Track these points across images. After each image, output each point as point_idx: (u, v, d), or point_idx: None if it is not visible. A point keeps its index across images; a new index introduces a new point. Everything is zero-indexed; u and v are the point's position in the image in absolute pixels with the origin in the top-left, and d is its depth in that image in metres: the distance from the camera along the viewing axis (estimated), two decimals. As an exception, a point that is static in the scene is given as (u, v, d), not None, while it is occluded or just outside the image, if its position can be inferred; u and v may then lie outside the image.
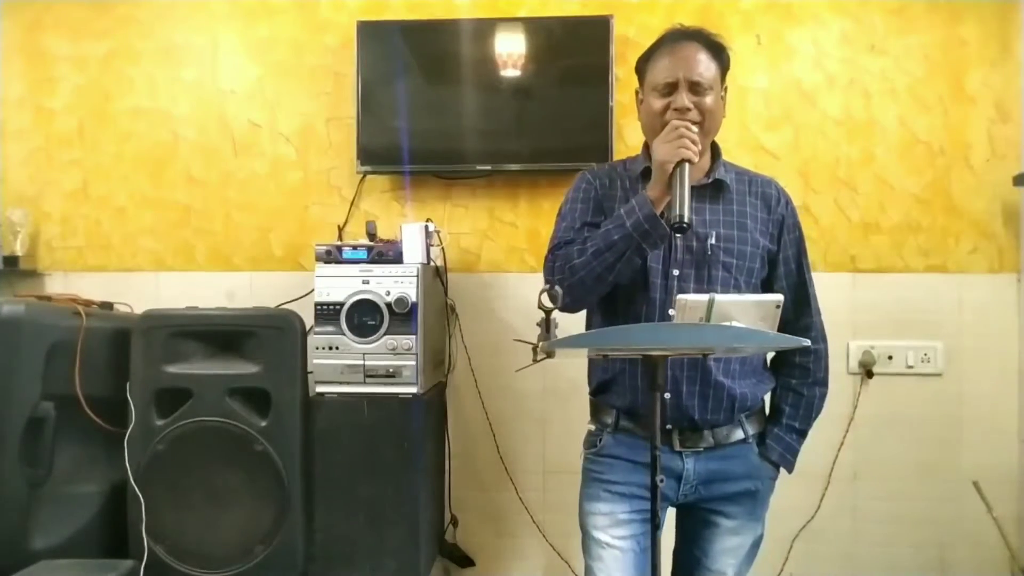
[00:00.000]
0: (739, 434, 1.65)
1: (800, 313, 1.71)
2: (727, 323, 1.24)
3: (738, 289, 1.62)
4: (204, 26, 2.81)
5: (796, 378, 1.72)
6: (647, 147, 1.70)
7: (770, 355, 1.78)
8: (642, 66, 1.68)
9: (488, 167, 2.64)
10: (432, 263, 2.50)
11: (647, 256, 1.56)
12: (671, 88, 1.60)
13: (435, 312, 2.51)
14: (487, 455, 2.70)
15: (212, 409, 2.21)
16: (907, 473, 2.61)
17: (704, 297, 1.25)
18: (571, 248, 1.59)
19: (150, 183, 2.83)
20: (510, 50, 2.61)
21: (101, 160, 2.84)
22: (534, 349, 1.31)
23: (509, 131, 2.64)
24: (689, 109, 1.57)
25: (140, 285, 2.78)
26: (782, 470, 1.72)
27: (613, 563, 1.64)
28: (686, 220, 1.44)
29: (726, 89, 1.68)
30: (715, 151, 1.70)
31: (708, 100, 1.60)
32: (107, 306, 2.46)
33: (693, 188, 1.58)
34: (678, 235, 1.54)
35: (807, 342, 1.31)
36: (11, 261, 2.75)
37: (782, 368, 1.74)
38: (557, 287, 1.31)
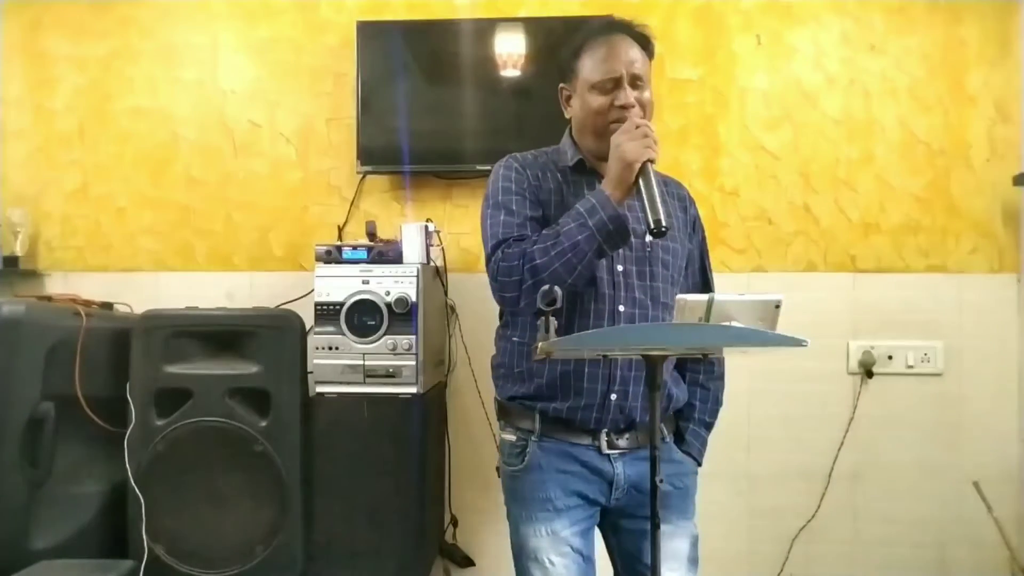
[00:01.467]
0: (659, 433, 1.63)
1: None
2: (727, 323, 1.24)
3: (675, 286, 1.64)
4: (204, 26, 2.81)
5: (703, 373, 1.72)
6: (571, 137, 1.67)
7: None
8: (571, 61, 1.62)
9: (488, 167, 2.60)
10: (432, 263, 2.50)
11: (605, 257, 1.51)
12: (613, 84, 1.55)
13: (435, 312, 2.51)
14: (487, 455, 2.69)
15: (212, 409, 2.21)
16: (907, 473, 2.60)
17: (703, 297, 1.24)
18: (527, 247, 1.50)
19: (150, 183, 2.83)
20: (510, 50, 2.61)
21: (101, 160, 2.84)
22: (533, 349, 1.31)
23: (509, 131, 2.63)
24: (633, 105, 1.54)
25: (140, 285, 2.77)
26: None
27: None
28: (664, 224, 1.39)
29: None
30: None
31: (647, 94, 1.58)
32: (107, 306, 2.46)
33: None
34: (658, 238, 1.45)
35: (806, 341, 1.30)
36: (11, 261, 2.75)
37: (688, 363, 1.72)
38: (556, 288, 1.30)
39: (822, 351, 2.60)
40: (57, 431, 2.14)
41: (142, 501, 2.19)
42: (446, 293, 2.67)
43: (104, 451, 2.26)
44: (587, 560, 1.62)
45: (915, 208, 2.63)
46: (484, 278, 2.72)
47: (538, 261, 1.48)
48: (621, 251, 1.57)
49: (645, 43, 1.61)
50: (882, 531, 2.61)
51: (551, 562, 1.59)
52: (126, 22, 2.82)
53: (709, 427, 1.74)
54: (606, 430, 1.59)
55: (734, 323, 1.24)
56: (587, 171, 1.65)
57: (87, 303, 2.37)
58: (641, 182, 1.44)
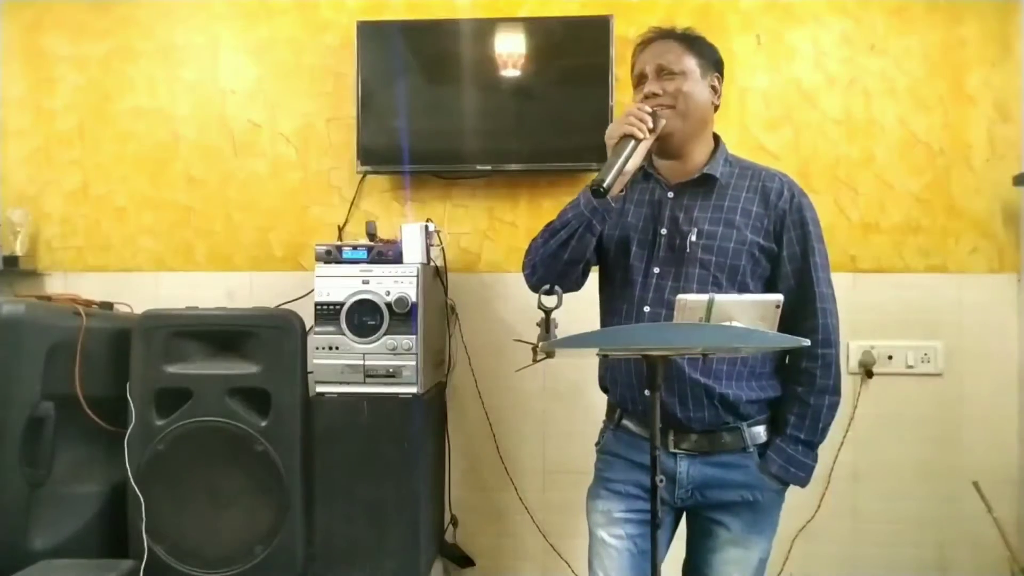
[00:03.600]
0: (739, 442, 1.61)
1: (805, 315, 1.62)
2: (727, 323, 1.24)
3: (718, 287, 1.57)
4: (204, 26, 2.81)
5: (802, 385, 1.63)
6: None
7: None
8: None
9: (488, 167, 2.64)
10: (432, 263, 2.51)
11: (599, 234, 1.60)
12: (643, 79, 1.64)
13: (435, 312, 2.51)
14: (487, 455, 2.69)
15: (212, 409, 2.21)
16: (907, 473, 2.60)
17: (704, 297, 1.24)
18: (537, 235, 1.67)
19: (150, 183, 2.83)
20: (510, 50, 2.61)
21: (101, 160, 2.84)
22: (534, 349, 1.31)
23: (509, 131, 2.64)
24: (657, 95, 1.59)
25: (140, 285, 2.78)
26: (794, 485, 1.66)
27: (609, 561, 1.63)
28: (604, 185, 1.46)
29: (718, 79, 1.67)
30: (717, 145, 1.68)
31: (679, 84, 1.60)
32: (107, 306, 2.46)
33: (683, 184, 1.64)
34: (597, 198, 1.51)
35: (806, 342, 1.30)
36: (11, 261, 2.75)
37: (789, 375, 1.67)
38: (558, 286, 1.32)
39: (822, 351, 2.59)
40: (57, 431, 2.14)
41: (142, 501, 2.19)
42: (446, 293, 2.67)
43: (104, 451, 2.26)
44: (642, 553, 1.60)
45: (915, 208, 2.63)
46: (484, 278, 2.77)
47: (538, 240, 1.65)
48: (661, 252, 1.62)
49: (691, 42, 1.65)
50: (882, 531, 2.61)
51: (604, 541, 1.65)
52: (126, 22, 2.82)
53: (807, 444, 1.62)
54: (663, 426, 1.58)
55: (734, 323, 1.24)
56: (651, 178, 1.69)
57: (87, 303, 2.37)
58: (613, 152, 1.52)
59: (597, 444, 1.76)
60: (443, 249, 2.64)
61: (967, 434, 2.60)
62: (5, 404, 2.07)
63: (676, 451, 1.61)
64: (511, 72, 2.62)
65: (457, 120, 2.65)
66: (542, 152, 2.62)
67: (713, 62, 1.67)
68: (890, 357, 2.61)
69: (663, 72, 1.60)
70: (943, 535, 2.59)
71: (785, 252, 1.62)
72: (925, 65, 2.63)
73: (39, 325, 2.13)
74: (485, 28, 2.63)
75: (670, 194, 1.64)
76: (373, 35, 2.65)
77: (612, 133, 1.54)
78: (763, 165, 1.71)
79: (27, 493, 2.11)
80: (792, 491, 2.69)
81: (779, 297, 1.30)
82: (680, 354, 1.52)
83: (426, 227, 2.43)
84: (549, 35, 2.61)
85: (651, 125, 1.53)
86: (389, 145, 2.64)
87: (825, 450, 2.57)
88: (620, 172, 1.50)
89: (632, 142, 1.51)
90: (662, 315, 1.58)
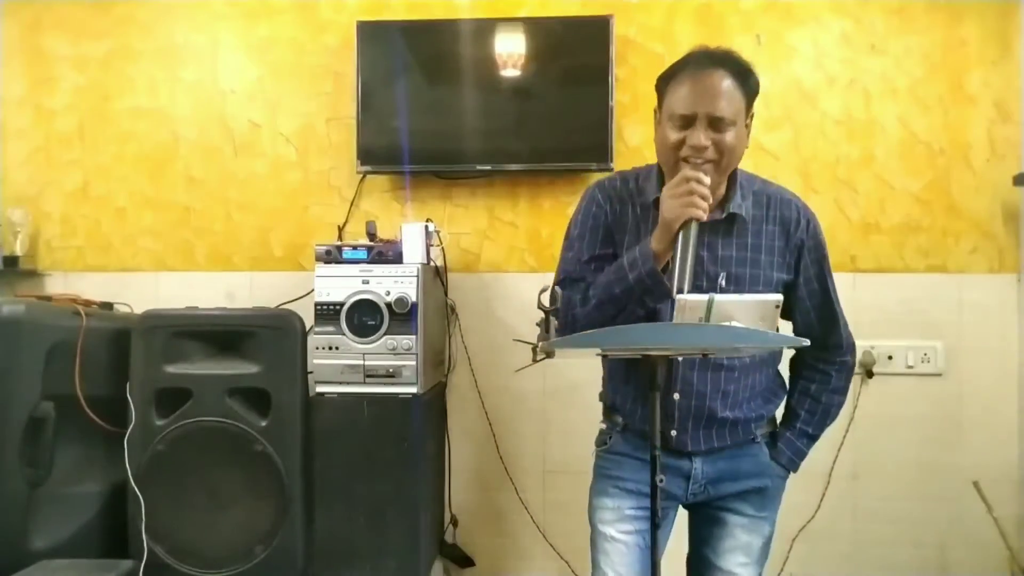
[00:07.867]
0: (748, 434, 1.65)
1: (828, 331, 1.67)
2: (727, 323, 1.24)
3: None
4: (204, 26, 2.81)
5: (817, 383, 1.69)
6: (660, 169, 1.60)
7: (788, 357, 1.76)
8: (662, 86, 1.55)
9: (488, 167, 2.64)
10: (432, 263, 2.50)
11: (651, 307, 1.50)
12: (688, 121, 1.47)
13: (435, 312, 2.51)
14: (487, 455, 2.69)
15: (212, 409, 2.21)
16: (907, 473, 2.61)
17: (704, 297, 1.24)
18: (575, 291, 1.54)
19: (150, 183, 2.83)
20: (510, 50, 2.61)
21: (101, 160, 2.84)
22: (534, 349, 1.31)
23: (509, 131, 2.64)
24: (706, 147, 1.46)
25: (140, 285, 2.78)
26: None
27: (617, 557, 1.63)
28: (687, 292, 1.36)
29: (752, 116, 1.55)
30: (732, 177, 1.58)
31: (728, 137, 1.47)
32: (107, 306, 2.46)
33: (705, 224, 1.48)
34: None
35: (806, 342, 1.32)
36: (11, 261, 2.75)
37: (803, 372, 1.71)
38: (557, 287, 1.31)
39: (822, 351, 2.59)
40: (57, 431, 2.14)
41: (142, 501, 2.19)
42: (446, 293, 2.67)
43: (104, 451, 2.26)
44: (648, 548, 1.57)
45: (915, 208, 2.63)
46: (484, 278, 2.77)
47: (578, 310, 1.52)
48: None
49: (744, 78, 1.51)
50: (882, 531, 2.61)
51: (612, 537, 1.64)
52: (126, 22, 2.82)
53: (812, 438, 1.71)
54: (675, 431, 1.59)
55: (734, 323, 1.24)
56: None
57: (87, 303, 2.37)
58: (678, 242, 1.39)
59: (601, 446, 1.73)
60: (443, 249, 2.64)
61: (967, 434, 2.60)
62: (5, 404, 2.07)
63: (691, 450, 1.61)
64: (511, 72, 2.62)
65: (457, 120, 2.65)
66: (542, 152, 2.62)
67: (753, 98, 1.54)
68: (890, 357, 2.61)
69: (715, 122, 1.46)
70: (943, 535, 2.59)
71: (801, 277, 1.63)
72: (925, 65, 2.63)
73: (39, 325, 2.13)
74: (485, 28, 2.63)
75: None
76: (373, 35, 2.65)
77: (674, 215, 1.40)
78: (772, 184, 1.65)
79: (27, 493, 2.11)
80: (792, 491, 2.69)
81: (779, 297, 1.30)
82: (682, 355, 1.52)
83: (426, 227, 2.43)
84: (549, 35, 2.61)
85: (711, 199, 1.42)
86: (389, 145, 2.64)
87: (825, 450, 2.60)
88: (692, 267, 1.39)
89: (695, 224, 1.39)
90: (695, 360, 1.56)
